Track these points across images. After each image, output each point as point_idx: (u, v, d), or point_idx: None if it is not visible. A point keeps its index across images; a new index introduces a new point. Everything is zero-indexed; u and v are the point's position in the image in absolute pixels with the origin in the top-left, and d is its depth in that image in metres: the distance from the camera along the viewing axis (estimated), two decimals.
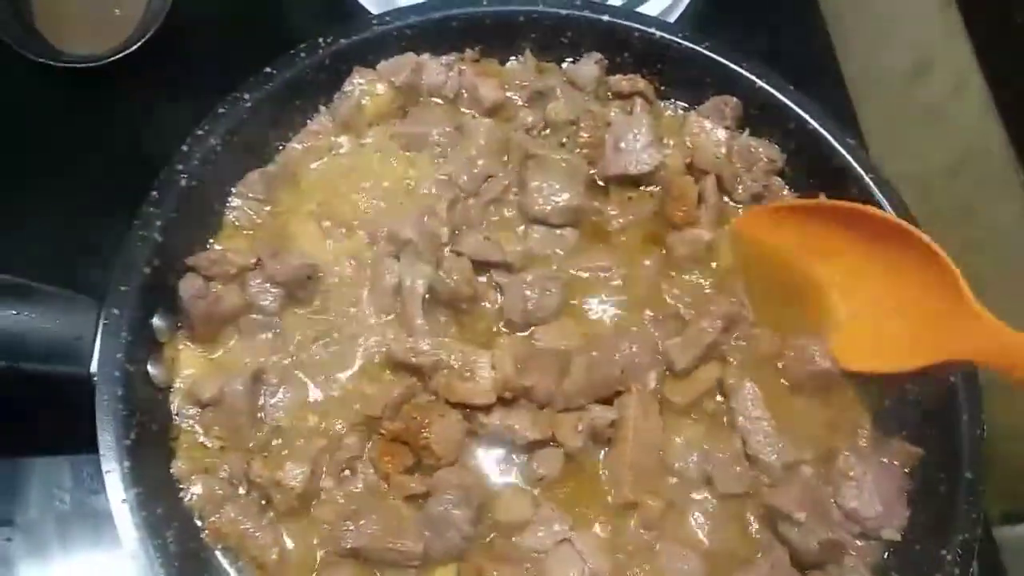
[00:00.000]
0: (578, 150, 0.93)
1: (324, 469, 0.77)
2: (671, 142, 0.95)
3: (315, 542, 0.75)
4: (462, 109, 0.96)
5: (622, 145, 0.92)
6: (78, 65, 1.03)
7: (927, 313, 0.81)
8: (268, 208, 0.89)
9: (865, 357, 0.86)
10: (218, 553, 0.75)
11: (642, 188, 0.93)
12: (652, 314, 0.88)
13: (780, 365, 0.88)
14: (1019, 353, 0.73)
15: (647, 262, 0.89)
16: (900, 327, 0.84)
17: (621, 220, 0.92)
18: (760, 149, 0.95)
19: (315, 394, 0.81)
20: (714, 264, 0.91)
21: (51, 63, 1.02)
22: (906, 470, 0.85)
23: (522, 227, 0.91)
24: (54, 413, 0.83)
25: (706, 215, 0.90)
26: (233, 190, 0.88)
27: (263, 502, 0.76)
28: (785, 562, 0.79)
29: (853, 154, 0.93)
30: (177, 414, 0.79)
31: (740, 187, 0.94)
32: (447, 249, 0.86)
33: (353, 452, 0.77)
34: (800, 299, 0.89)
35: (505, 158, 0.93)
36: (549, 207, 0.89)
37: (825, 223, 0.87)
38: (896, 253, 0.82)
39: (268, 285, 0.82)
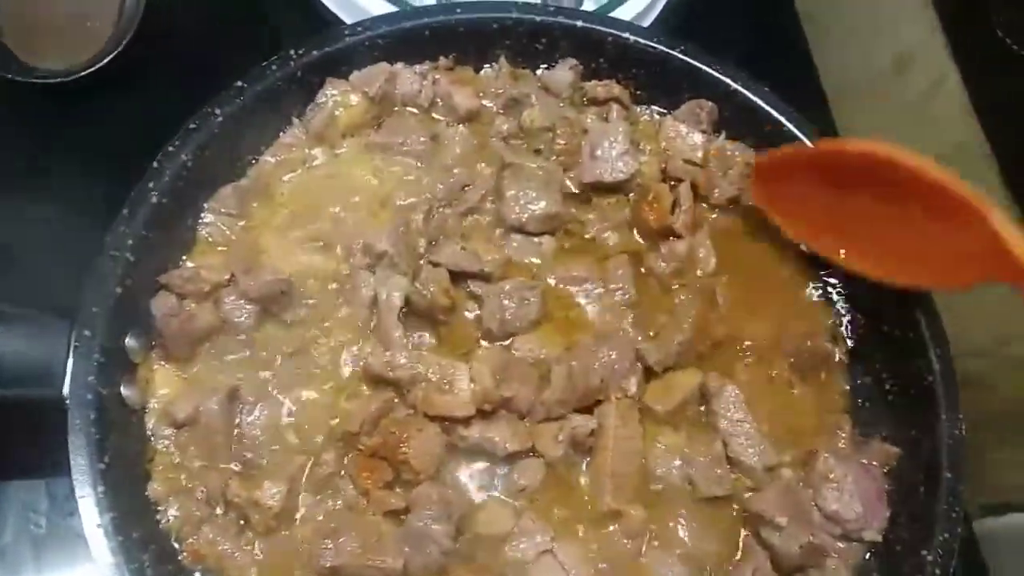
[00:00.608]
0: (554, 157, 0.93)
1: (302, 487, 0.76)
2: (648, 148, 0.95)
3: (294, 561, 0.74)
4: (437, 117, 0.96)
5: (598, 153, 0.91)
6: (49, 81, 1.02)
7: (953, 251, 0.80)
8: (242, 223, 0.88)
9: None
10: (197, 574, 0.75)
11: (619, 196, 0.93)
12: (631, 321, 0.88)
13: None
14: None
15: (620, 271, 0.89)
16: (928, 257, 0.83)
17: (598, 227, 0.92)
18: (736, 152, 0.94)
19: (292, 411, 0.80)
20: (699, 271, 0.91)
21: (22, 79, 1.01)
22: (885, 470, 0.85)
23: (500, 235, 0.90)
24: (28, 436, 0.83)
25: (681, 220, 0.90)
26: (206, 206, 0.87)
27: (241, 522, 0.75)
28: (767, 567, 0.80)
29: None
30: (152, 435, 0.78)
31: (716, 191, 0.94)
32: (423, 260, 0.85)
33: (331, 469, 0.77)
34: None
35: (481, 166, 0.93)
36: (526, 215, 0.89)
37: (832, 170, 0.86)
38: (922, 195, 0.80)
39: (242, 302, 0.81)
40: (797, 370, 0.89)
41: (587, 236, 0.92)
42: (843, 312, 0.93)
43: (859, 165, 0.83)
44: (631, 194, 0.93)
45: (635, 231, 0.93)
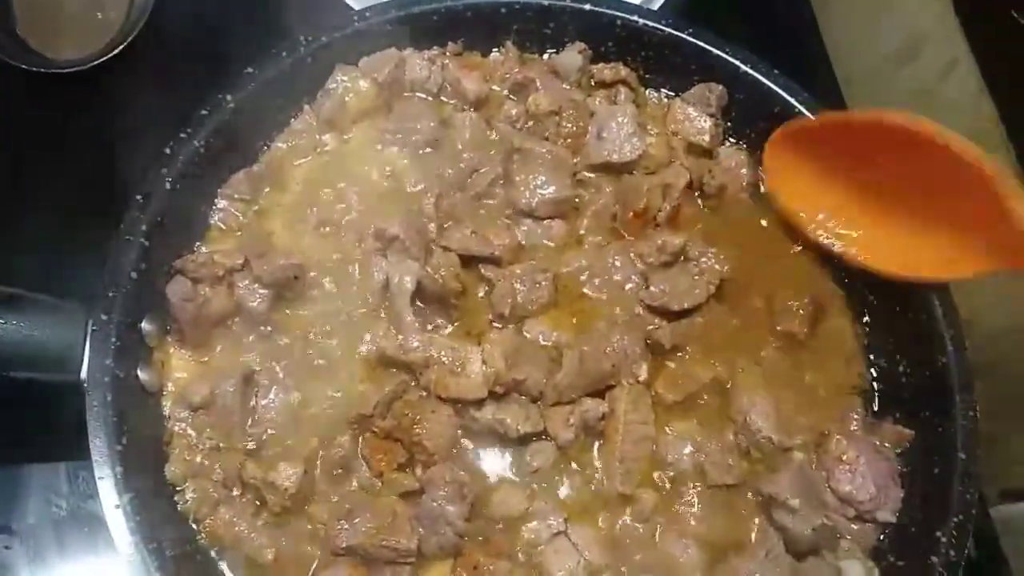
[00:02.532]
0: (561, 141, 0.93)
1: (317, 468, 0.77)
2: (654, 131, 0.95)
3: (310, 541, 0.75)
4: (446, 102, 0.96)
5: (604, 134, 0.91)
6: (63, 70, 1.03)
7: (968, 223, 0.79)
8: (254, 208, 0.89)
9: (901, 263, 0.85)
10: (213, 554, 0.76)
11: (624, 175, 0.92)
12: (641, 306, 0.88)
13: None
14: None
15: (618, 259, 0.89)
16: (938, 238, 0.82)
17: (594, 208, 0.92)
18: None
19: (306, 394, 0.81)
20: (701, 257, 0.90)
21: (36, 69, 1.02)
22: (898, 452, 0.85)
23: (510, 219, 0.90)
24: (47, 420, 0.83)
25: (666, 213, 0.90)
26: (219, 192, 0.88)
27: (257, 503, 0.76)
28: (780, 549, 0.79)
29: None
30: (169, 418, 0.79)
31: (712, 180, 0.94)
32: (434, 245, 0.86)
33: (346, 451, 0.77)
34: None
35: (492, 151, 0.93)
36: (536, 200, 0.89)
37: (841, 144, 0.85)
38: (934, 163, 0.79)
39: (256, 286, 0.82)
40: (805, 323, 0.88)
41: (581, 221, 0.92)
42: (856, 292, 0.92)
43: (869, 135, 0.82)
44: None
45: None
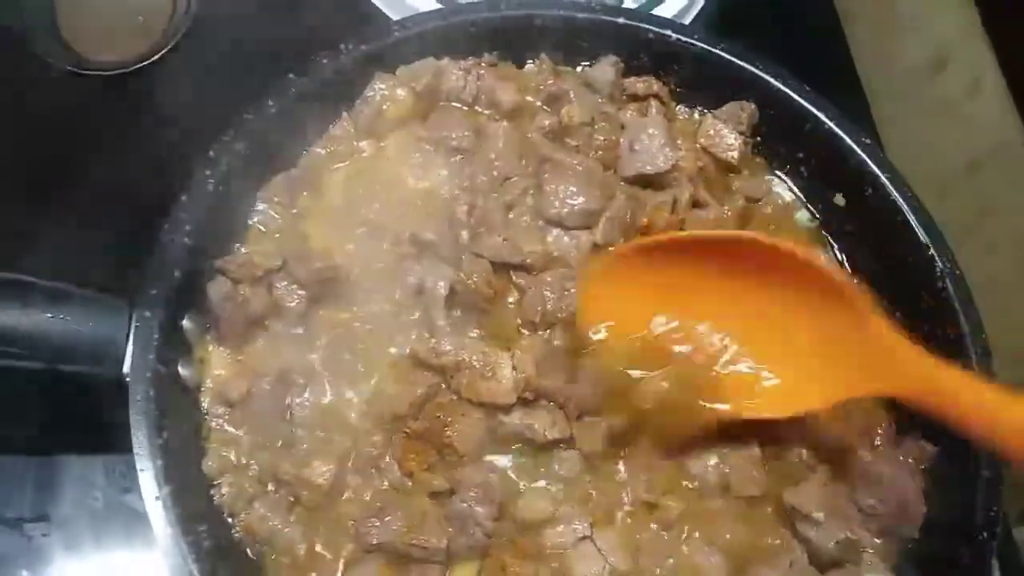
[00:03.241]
0: (592, 153, 0.94)
1: (350, 466, 0.78)
2: (684, 146, 0.96)
3: (341, 538, 0.77)
4: (480, 111, 0.98)
5: (636, 147, 0.92)
6: (105, 73, 1.06)
7: (835, 349, 0.73)
8: (292, 212, 0.90)
9: (770, 404, 0.80)
10: (248, 550, 0.77)
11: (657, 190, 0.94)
12: None
13: None
14: (943, 385, 0.65)
15: None
16: (803, 366, 0.77)
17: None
18: None
19: (340, 393, 0.82)
20: None
21: (79, 71, 1.04)
22: (922, 467, 0.85)
23: (540, 228, 0.91)
24: (87, 413, 0.86)
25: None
26: (258, 195, 0.90)
27: (291, 499, 0.77)
28: (804, 561, 0.80)
29: (870, 154, 0.93)
30: (207, 414, 0.81)
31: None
32: (467, 251, 0.87)
33: (378, 450, 0.79)
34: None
35: (524, 161, 0.94)
36: (566, 210, 0.90)
37: (692, 260, 0.78)
38: (792, 283, 0.73)
39: (294, 287, 0.83)
40: None
41: None
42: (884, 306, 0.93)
43: (728, 254, 0.76)
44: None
45: None
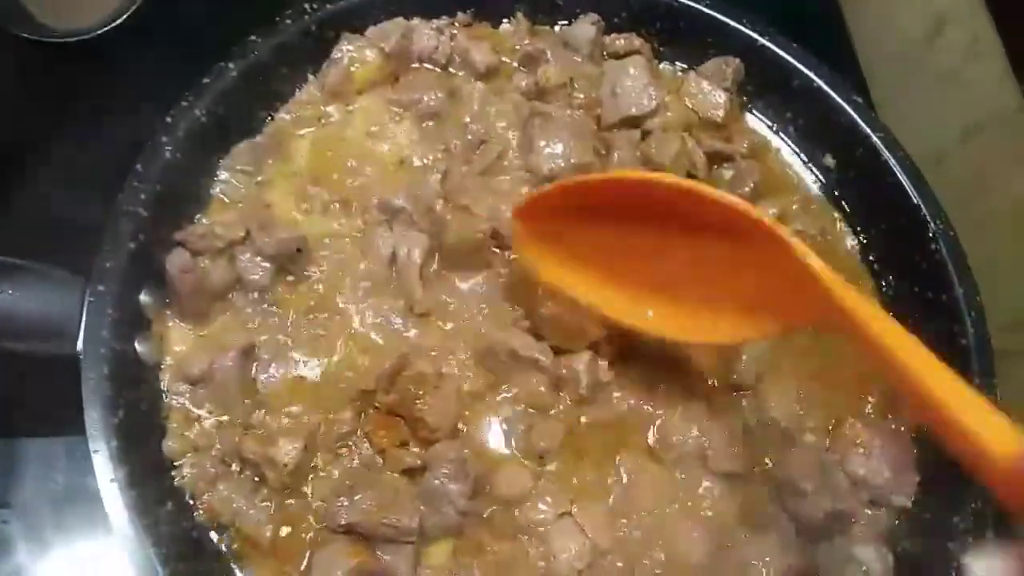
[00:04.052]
0: (571, 111, 0.90)
1: (318, 444, 0.75)
2: (671, 102, 0.92)
3: (309, 518, 0.74)
4: (454, 72, 0.94)
5: (618, 90, 0.89)
6: (65, 39, 1.01)
7: (761, 283, 0.68)
8: (256, 180, 0.87)
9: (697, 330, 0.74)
10: (212, 533, 0.74)
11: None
12: None
13: None
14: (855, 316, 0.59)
15: None
16: (732, 296, 0.71)
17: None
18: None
19: (307, 369, 0.79)
20: None
21: (38, 39, 1.00)
22: (914, 436, 0.83)
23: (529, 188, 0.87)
24: (45, 393, 0.82)
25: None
26: (221, 163, 0.86)
27: (256, 479, 0.74)
28: (791, 533, 0.78)
29: (860, 113, 0.90)
30: (167, 392, 0.77)
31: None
32: (441, 204, 0.83)
33: (348, 427, 0.76)
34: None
35: (503, 124, 0.90)
36: (561, 164, 0.86)
37: (620, 198, 0.72)
38: (717, 224, 0.68)
39: (258, 259, 0.80)
40: None
41: None
42: (879, 275, 0.91)
43: (639, 197, 0.70)
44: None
45: None
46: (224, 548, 0.73)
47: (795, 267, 0.63)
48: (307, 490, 0.75)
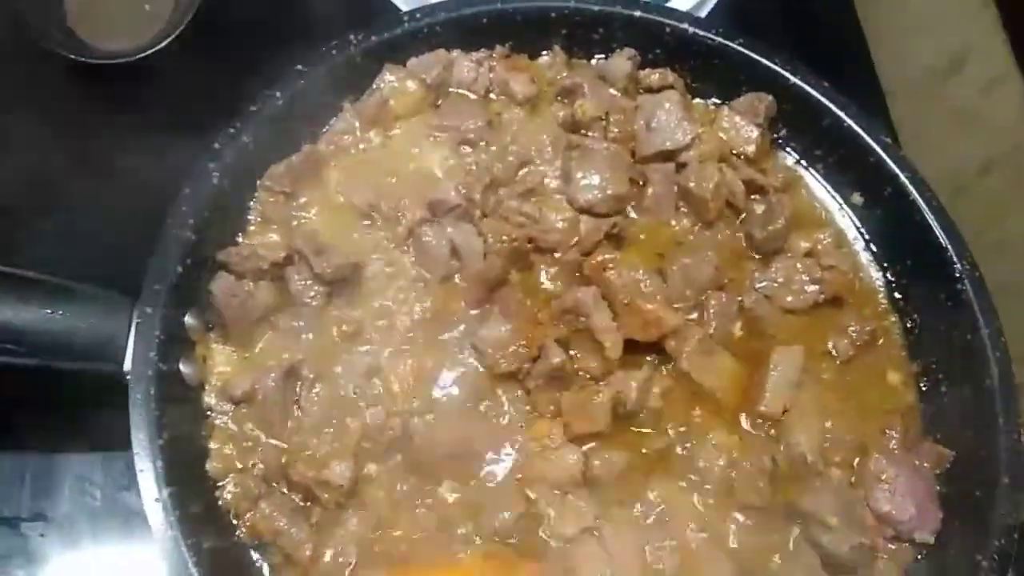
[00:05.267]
0: (604, 145, 0.92)
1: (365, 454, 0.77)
2: (704, 131, 0.94)
3: (350, 541, 0.75)
4: (494, 98, 0.95)
5: (654, 124, 0.91)
6: (112, 62, 1.04)
7: None
8: (296, 201, 0.88)
9: None
10: (252, 551, 0.75)
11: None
12: None
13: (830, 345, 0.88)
14: None
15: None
16: None
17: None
18: None
19: (352, 388, 0.80)
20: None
21: (86, 60, 1.02)
22: (937, 472, 0.84)
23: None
24: (87, 410, 0.84)
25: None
26: (259, 184, 0.87)
27: (297, 499, 0.75)
28: (816, 566, 0.79)
29: (888, 152, 0.91)
30: (210, 411, 0.79)
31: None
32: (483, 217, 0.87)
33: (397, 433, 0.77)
34: None
35: (544, 149, 0.92)
36: (598, 195, 0.88)
37: None
38: None
39: (311, 282, 0.81)
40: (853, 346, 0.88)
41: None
42: (902, 312, 0.92)
43: None
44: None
45: None
46: (264, 566, 0.75)
47: None
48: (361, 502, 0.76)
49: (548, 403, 0.81)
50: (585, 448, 0.80)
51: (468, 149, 0.91)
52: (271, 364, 0.79)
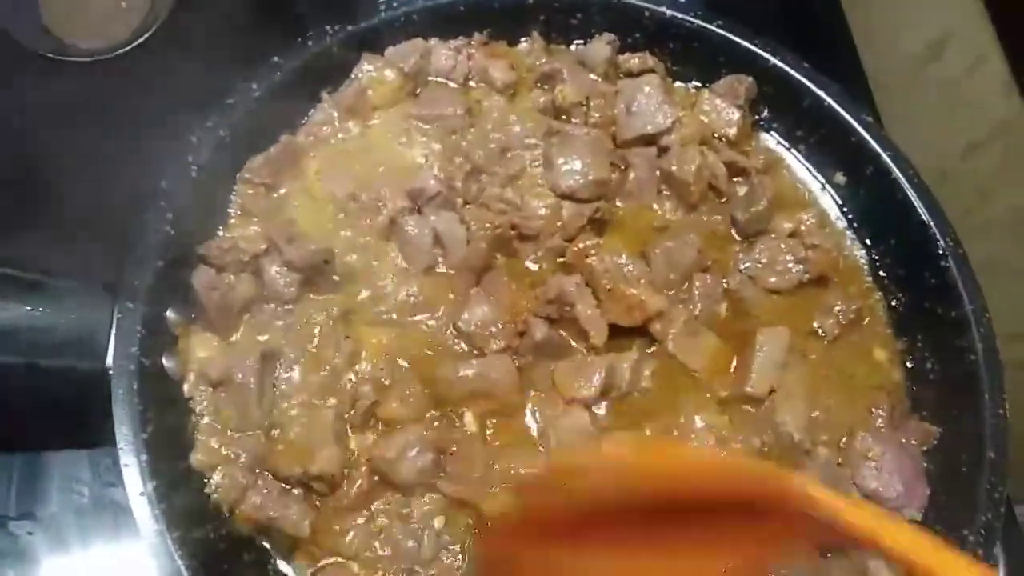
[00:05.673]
0: (588, 129, 0.92)
1: (349, 432, 0.77)
2: (684, 114, 0.93)
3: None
4: (473, 85, 0.95)
5: (634, 108, 0.91)
6: (87, 59, 1.03)
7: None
8: (275, 193, 0.88)
9: None
10: (242, 539, 0.75)
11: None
12: None
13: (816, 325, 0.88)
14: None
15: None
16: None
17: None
18: None
19: (328, 372, 0.80)
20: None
21: (61, 58, 1.02)
22: (924, 449, 0.84)
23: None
24: (71, 407, 0.83)
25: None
26: (238, 176, 0.87)
27: (286, 486, 0.76)
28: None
29: (870, 131, 0.92)
30: (190, 398, 0.78)
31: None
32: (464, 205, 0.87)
33: (371, 398, 0.77)
34: None
35: (525, 135, 0.91)
36: (579, 181, 0.87)
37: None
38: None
39: (285, 270, 0.81)
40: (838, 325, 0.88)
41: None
42: (887, 291, 0.92)
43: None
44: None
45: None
46: (249, 557, 0.75)
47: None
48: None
49: (544, 378, 0.82)
50: None
51: (449, 137, 0.91)
52: (249, 349, 0.78)
